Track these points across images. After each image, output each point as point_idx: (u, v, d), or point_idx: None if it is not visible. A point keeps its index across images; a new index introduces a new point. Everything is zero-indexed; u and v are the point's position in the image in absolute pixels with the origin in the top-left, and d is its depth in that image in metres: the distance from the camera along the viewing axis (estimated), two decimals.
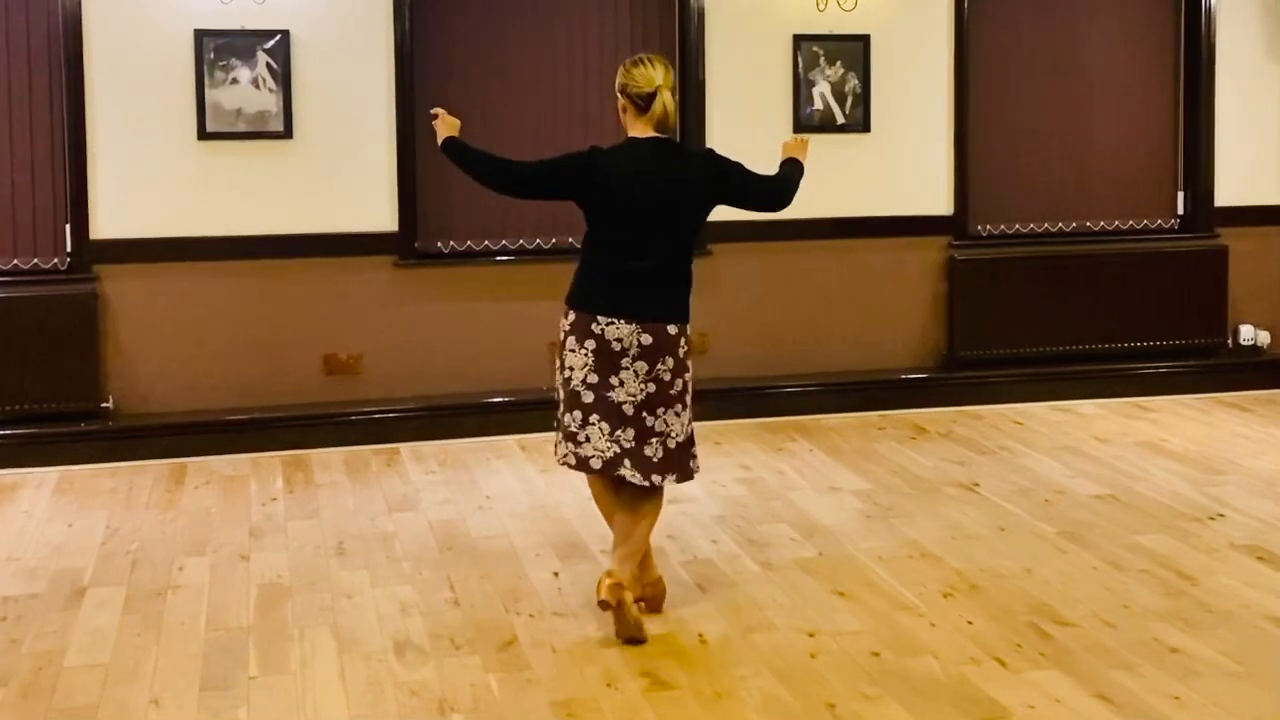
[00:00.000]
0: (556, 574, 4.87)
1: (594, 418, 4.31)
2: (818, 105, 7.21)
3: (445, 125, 4.53)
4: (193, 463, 6.39)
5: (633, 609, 4.24)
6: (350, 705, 3.83)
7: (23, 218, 6.49)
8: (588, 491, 5.81)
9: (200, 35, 6.50)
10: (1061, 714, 3.74)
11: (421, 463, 6.39)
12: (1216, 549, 5.06)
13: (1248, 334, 7.87)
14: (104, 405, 6.51)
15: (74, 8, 6.40)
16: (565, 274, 6.99)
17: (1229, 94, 7.76)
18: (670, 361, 4.33)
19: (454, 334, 6.95)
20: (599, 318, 4.29)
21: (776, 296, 7.31)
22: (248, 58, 6.56)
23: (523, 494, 5.88)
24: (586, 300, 4.33)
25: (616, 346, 4.28)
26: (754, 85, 7.19)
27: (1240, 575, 4.78)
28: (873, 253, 7.43)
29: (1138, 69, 7.76)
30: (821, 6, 7.19)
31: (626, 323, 4.27)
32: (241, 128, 6.59)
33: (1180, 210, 7.86)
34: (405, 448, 6.63)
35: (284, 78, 6.60)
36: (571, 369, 4.34)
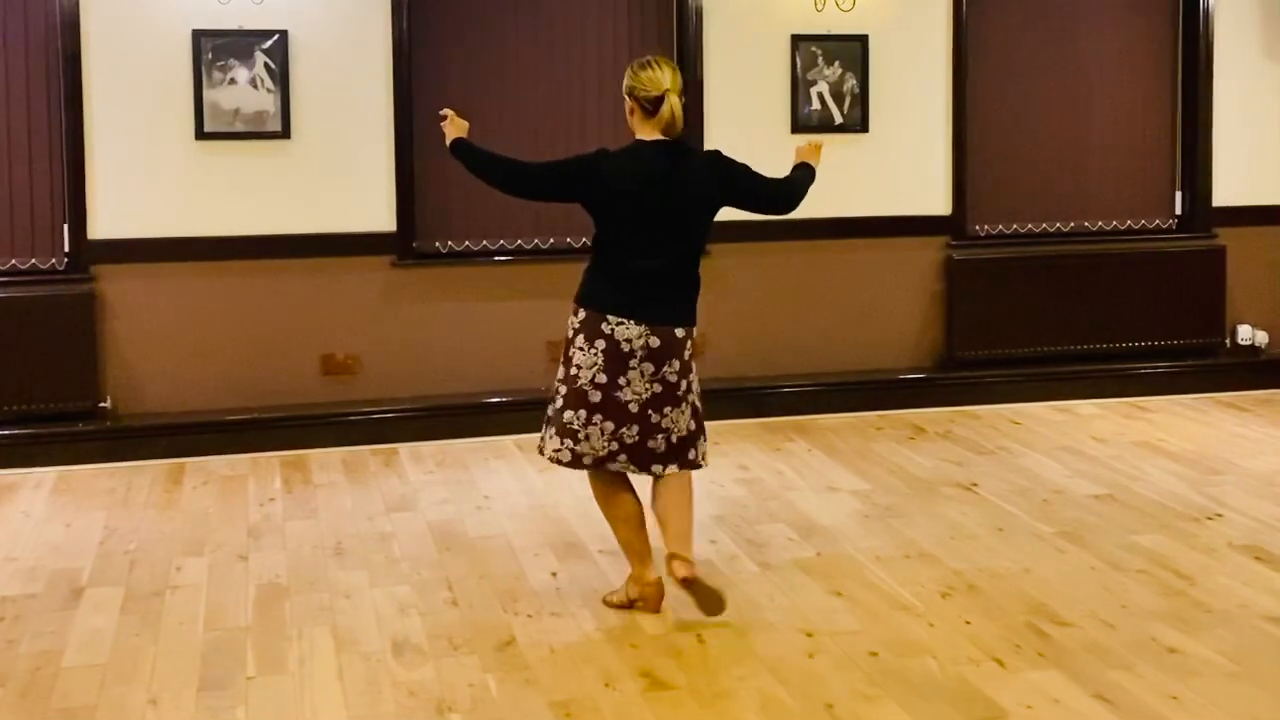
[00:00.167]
0: (555, 574, 4.87)
1: (597, 417, 4.33)
2: (816, 105, 7.21)
3: (454, 126, 4.56)
4: (191, 463, 6.39)
5: (705, 582, 4.35)
6: (348, 705, 3.83)
7: (21, 218, 6.49)
8: (586, 491, 5.82)
9: (198, 35, 6.50)
10: (1060, 714, 3.74)
11: (420, 463, 6.39)
12: (1214, 549, 5.07)
13: (1245, 334, 7.87)
14: (102, 405, 6.51)
15: (72, 8, 6.39)
16: (563, 274, 7.04)
17: (1227, 94, 7.76)
18: (676, 364, 4.35)
19: (452, 334, 6.95)
20: (609, 318, 4.31)
21: (775, 297, 7.31)
22: (246, 58, 6.56)
23: (521, 494, 5.88)
24: (598, 300, 4.35)
25: (626, 348, 4.30)
26: (752, 85, 7.19)
27: (1238, 575, 4.78)
28: (871, 253, 7.43)
29: (1136, 68, 7.76)
30: (819, 7, 7.19)
31: (636, 324, 4.30)
32: (239, 128, 6.59)
33: (1178, 210, 7.86)
34: (403, 448, 6.63)
35: (282, 78, 6.60)
36: (580, 367, 4.34)
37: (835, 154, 7.11)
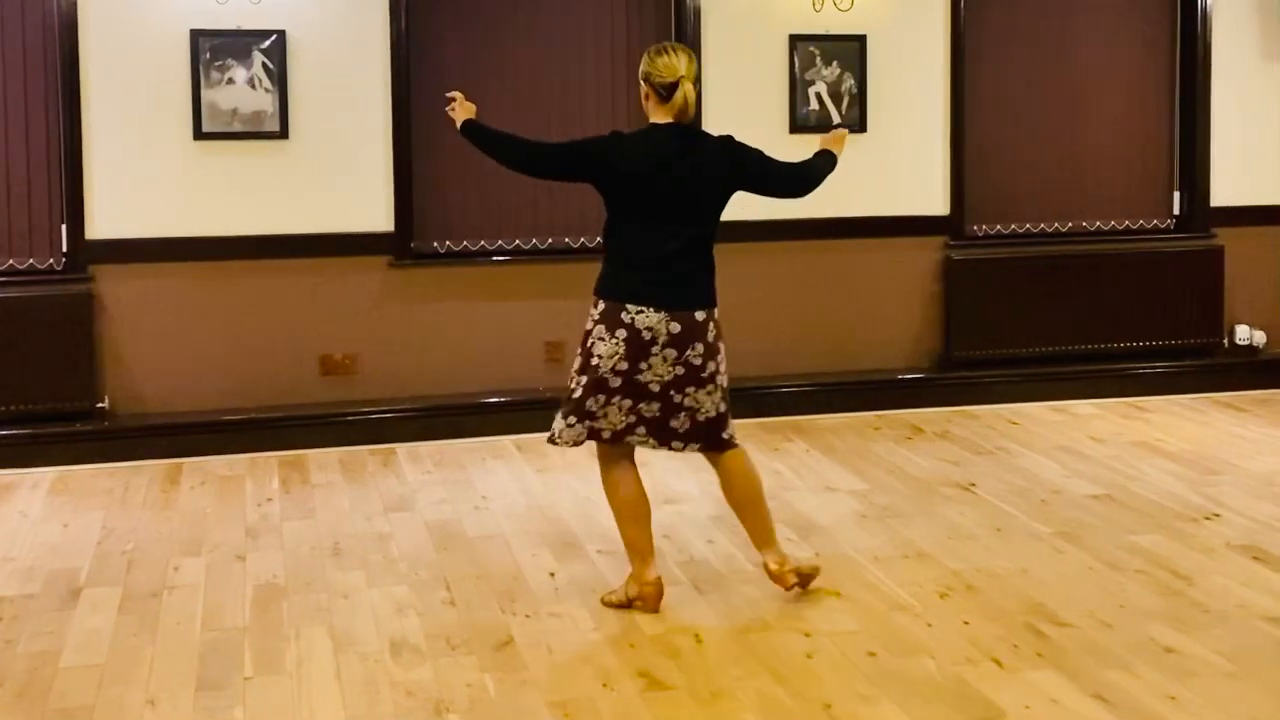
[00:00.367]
0: (553, 574, 4.87)
1: (616, 398, 4.37)
2: (814, 105, 7.21)
3: (463, 109, 4.62)
4: (188, 463, 6.38)
5: (797, 576, 4.53)
6: (346, 705, 3.83)
7: (18, 218, 6.48)
8: (585, 492, 5.84)
9: (196, 35, 6.50)
10: (1058, 714, 3.74)
11: (418, 463, 6.38)
12: (1212, 549, 5.07)
13: (1243, 334, 7.87)
14: (100, 405, 6.51)
15: (69, 8, 6.39)
16: (561, 274, 7.08)
17: (1225, 94, 7.76)
18: (700, 347, 4.38)
19: (450, 334, 6.95)
20: (628, 306, 4.33)
21: (772, 296, 7.31)
22: (243, 58, 6.56)
23: (519, 494, 5.87)
24: (615, 289, 4.38)
25: (647, 335, 4.33)
26: (750, 85, 7.19)
27: (1236, 575, 4.78)
28: (869, 253, 7.43)
29: (1134, 69, 7.76)
30: (818, 6, 7.19)
31: (656, 311, 4.33)
32: (237, 128, 6.59)
33: (1176, 210, 7.86)
34: (401, 448, 6.62)
35: (280, 78, 6.60)
36: (600, 357, 4.36)
37: None
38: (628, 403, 4.37)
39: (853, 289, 7.41)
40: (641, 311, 4.33)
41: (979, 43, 7.49)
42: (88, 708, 3.83)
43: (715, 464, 4.59)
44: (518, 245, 7.05)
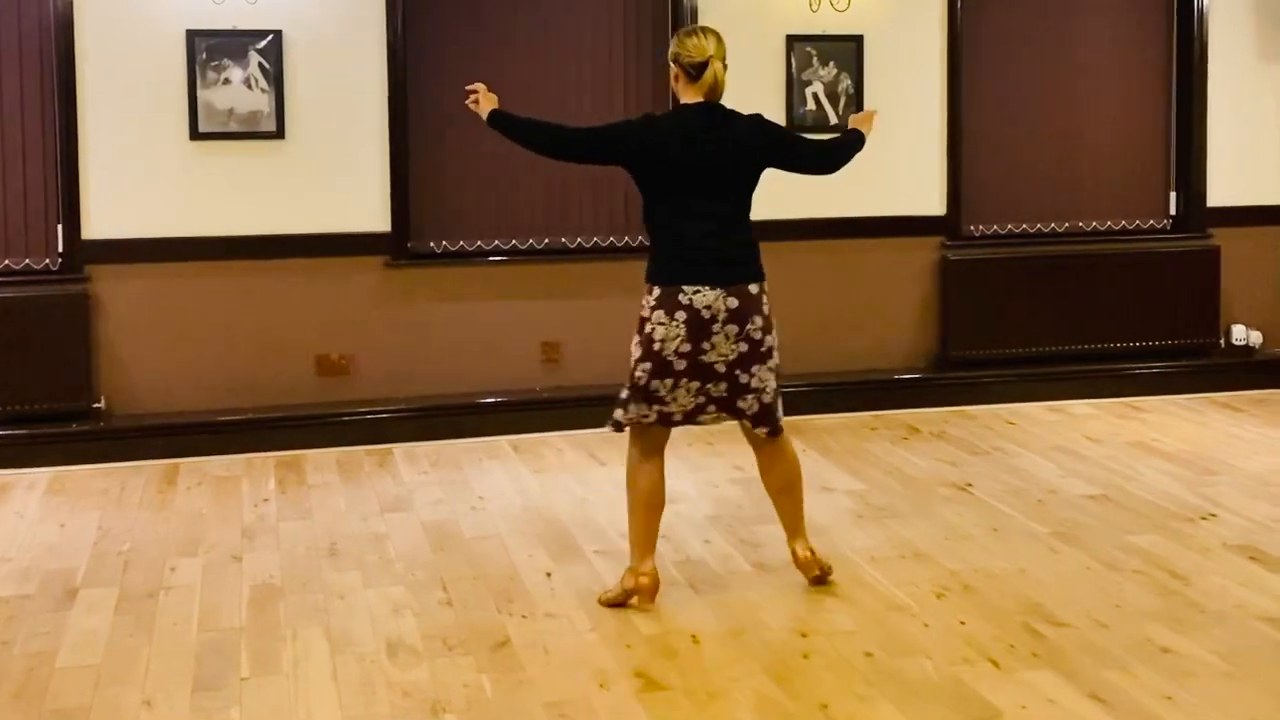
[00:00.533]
0: (549, 575, 4.87)
1: (684, 380, 4.42)
2: (810, 106, 7.21)
3: (486, 100, 4.67)
4: (185, 463, 6.38)
5: (819, 569, 4.66)
6: (343, 706, 3.83)
7: (14, 218, 6.48)
8: (581, 492, 5.84)
9: (192, 35, 6.49)
10: (1054, 714, 3.74)
11: (414, 463, 6.38)
12: (1209, 549, 5.07)
13: (1240, 334, 7.88)
14: (96, 406, 6.50)
15: (66, 8, 6.38)
16: (558, 274, 7.08)
17: (1221, 94, 7.77)
18: (759, 320, 4.44)
19: (447, 334, 6.94)
20: (684, 287, 4.38)
21: (769, 296, 7.29)
22: (240, 58, 6.55)
23: (515, 495, 5.87)
24: (670, 273, 4.42)
25: (707, 314, 4.38)
26: (747, 85, 7.14)
27: (1233, 575, 4.78)
28: (865, 253, 7.43)
29: (1130, 69, 7.77)
30: (815, 7, 7.19)
31: (711, 289, 4.37)
32: (234, 128, 6.59)
33: (1173, 210, 7.86)
34: (398, 448, 6.62)
35: (276, 78, 6.59)
36: (663, 340, 4.39)
37: None
38: (695, 384, 4.42)
39: (849, 289, 7.41)
40: (698, 291, 4.37)
41: (976, 43, 7.49)
42: (84, 708, 3.83)
43: (759, 447, 4.66)
44: (514, 245, 7.05)
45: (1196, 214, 7.81)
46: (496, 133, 4.65)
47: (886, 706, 3.78)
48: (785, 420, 4.65)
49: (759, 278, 4.49)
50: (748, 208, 4.53)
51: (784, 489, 4.69)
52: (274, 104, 6.60)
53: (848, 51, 7.24)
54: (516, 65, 6.97)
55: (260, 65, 6.57)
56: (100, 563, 5.04)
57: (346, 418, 6.73)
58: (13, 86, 6.43)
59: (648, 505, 4.55)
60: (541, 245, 7.08)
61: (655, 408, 4.46)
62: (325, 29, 6.69)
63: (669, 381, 4.42)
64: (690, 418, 4.52)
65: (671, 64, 4.52)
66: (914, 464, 6.29)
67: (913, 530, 5.31)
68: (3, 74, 6.41)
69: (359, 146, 6.77)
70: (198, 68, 6.50)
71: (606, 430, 4.62)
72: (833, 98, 7.24)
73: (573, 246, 7.08)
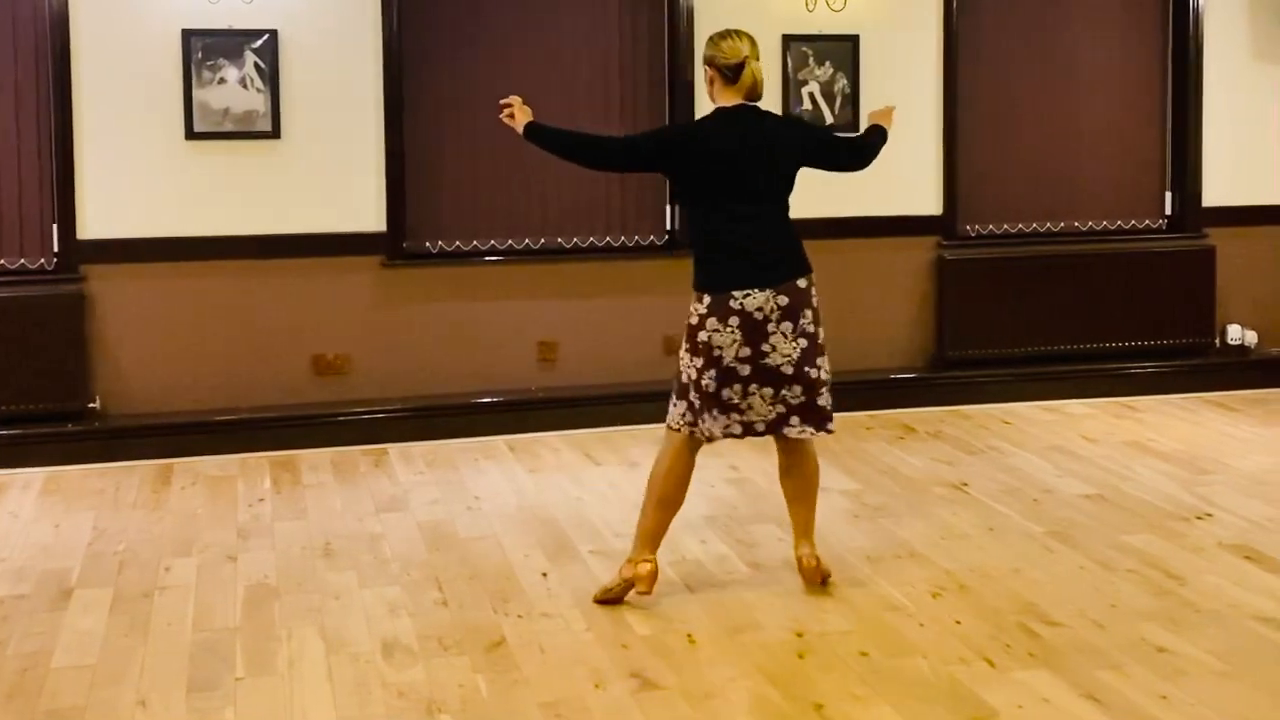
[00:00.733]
0: (545, 575, 4.86)
1: (754, 387, 4.42)
2: (807, 105, 7.21)
3: (521, 113, 4.68)
4: (180, 463, 6.37)
5: (821, 576, 4.64)
6: (338, 706, 3.82)
7: (9, 218, 6.47)
8: (576, 492, 5.84)
9: (188, 35, 6.49)
10: (1050, 714, 3.74)
11: (410, 463, 6.37)
12: (1204, 548, 5.07)
13: (1235, 334, 7.88)
14: (91, 406, 6.49)
15: (61, 7, 6.37)
16: (554, 274, 7.08)
17: (1217, 94, 7.78)
18: (809, 314, 4.48)
19: (442, 334, 6.94)
20: (734, 293, 4.40)
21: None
22: (235, 57, 6.55)
23: (511, 495, 5.87)
24: (719, 279, 4.44)
25: (759, 316, 4.40)
26: None
27: (1228, 575, 4.79)
28: (861, 253, 7.43)
29: (1126, 69, 7.77)
30: (811, 7, 7.19)
31: (761, 290, 4.39)
32: (229, 127, 6.58)
33: (1168, 210, 7.87)
34: (393, 448, 6.62)
35: (272, 77, 6.59)
36: (720, 348, 4.41)
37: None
38: (769, 390, 4.43)
39: (845, 289, 7.40)
40: (748, 294, 4.40)
41: (971, 43, 7.50)
42: (79, 709, 3.82)
43: (787, 447, 4.63)
44: (510, 245, 7.05)
45: (1192, 214, 7.81)
46: (533, 145, 4.65)
47: (882, 706, 3.78)
48: None
49: (806, 270, 4.51)
50: (788, 204, 4.57)
51: (803, 492, 4.68)
52: (269, 104, 6.60)
53: (844, 51, 7.24)
54: (511, 63, 6.96)
55: (256, 65, 6.57)
56: (95, 563, 5.04)
57: (342, 417, 6.73)
58: (8, 86, 6.41)
59: (664, 503, 4.57)
60: (537, 245, 7.07)
61: (734, 417, 4.46)
62: (321, 28, 6.69)
63: (738, 388, 4.42)
64: (774, 428, 4.49)
65: (706, 67, 4.53)
66: (910, 464, 6.29)
67: (908, 530, 5.31)
68: None
69: (354, 146, 6.76)
70: (193, 67, 6.50)
71: (668, 426, 4.57)
72: (829, 97, 7.24)
73: (568, 246, 7.08)
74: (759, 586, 4.71)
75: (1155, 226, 7.87)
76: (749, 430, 4.50)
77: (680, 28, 7.06)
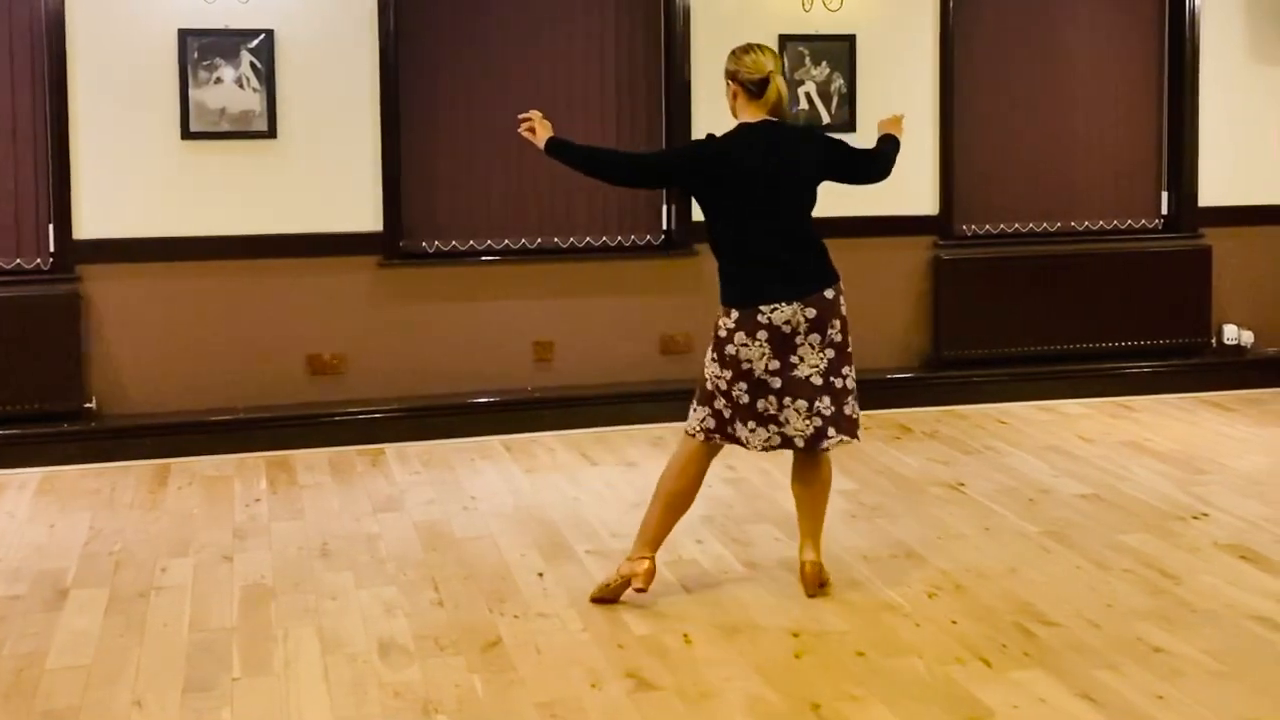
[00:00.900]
0: (541, 575, 4.86)
1: (787, 399, 4.43)
2: (803, 105, 7.21)
3: (542, 128, 4.64)
4: (176, 463, 6.37)
5: (820, 583, 4.61)
6: (334, 707, 3.82)
7: (5, 218, 6.46)
8: (572, 492, 5.84)
9: (184, 35, 6.48)
10: (1046, 714, 3.74)
11: (406, 463, 6.37)
12: (1200, 548, 5.07)
13: (1231, 334, 7.89)
14: (87, 406, 6.49)
15: (57, 7, 6.37)
16: (551, 274, 7.08)
17: (1213, 94, 7.78)
18: (837, 324, 4.51)
19: (439, 334, 6.94)
20: (762, 307, 4.40)
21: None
22: (232, 57, 6.54)
23: (507, 495, 5.87)
24: (746, 296, 4.44)
25: (787, 329, 4.41)
26: None
27: (1224, 574, 4.79)
28: (857, 252, 7.39)
29: (1122, 69, 7.78)
30: (807, 7, 7.19)
31: (788, 304, 4.41)
32: (225, 127, 6.57)
33: (1164, 210, 7.87)
34: (390, 448, 6.61)
35: (268, 77, 6.58)
36: (749, 361, 4.42)
37: None
38: (802, 404, 4.43)
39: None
40: (776, 308, 4.41)
41: (968, 43, 7.50)
42: (74, 709, 3.82)
43: (801, 453, 4.62)
44: (506, 245, 7.05)
45: (1188, 214, 7.82)
46: (555, 160, 4.63)
47: (878, 706, 3.78)
48: None
49: (833, 280, 4.53)
50: (810, 216, 4.57)
51: (817, 499, 4.66)
52: (266, 103, 6.59)
53: (840, 51, 7.24)
54: (508, 64, 6.96)
55: (252, 64, 6.56)
56: (91, 563, 5.03)
57: (338, 417, 6.72)
58: (4, 85, 6.41)
59: (671, 507, 4.58)
60: (534, 245, 7.07)
61: (773, 429, 4.46)
62: (317, 28, 6.68)
63: (773, 399, 4.43)
64: (813, 444, 4.49)
65: (729, 82, 4.53)
66: (906, 463, 6.29)
67: (904, 530, 5.32)
68: None
69: (351, 146, 6.76)
70: (189, 67, 6.49)
71: (685, 431, 4.61)
72: (825, 97, 7.24)
73: (565, 246, 7.07)
74: (755, 586, 4.71)
75: (1151, 226, 7.87)
76: (788, 443, 4.50)
77: (677, 28, 7.06)
